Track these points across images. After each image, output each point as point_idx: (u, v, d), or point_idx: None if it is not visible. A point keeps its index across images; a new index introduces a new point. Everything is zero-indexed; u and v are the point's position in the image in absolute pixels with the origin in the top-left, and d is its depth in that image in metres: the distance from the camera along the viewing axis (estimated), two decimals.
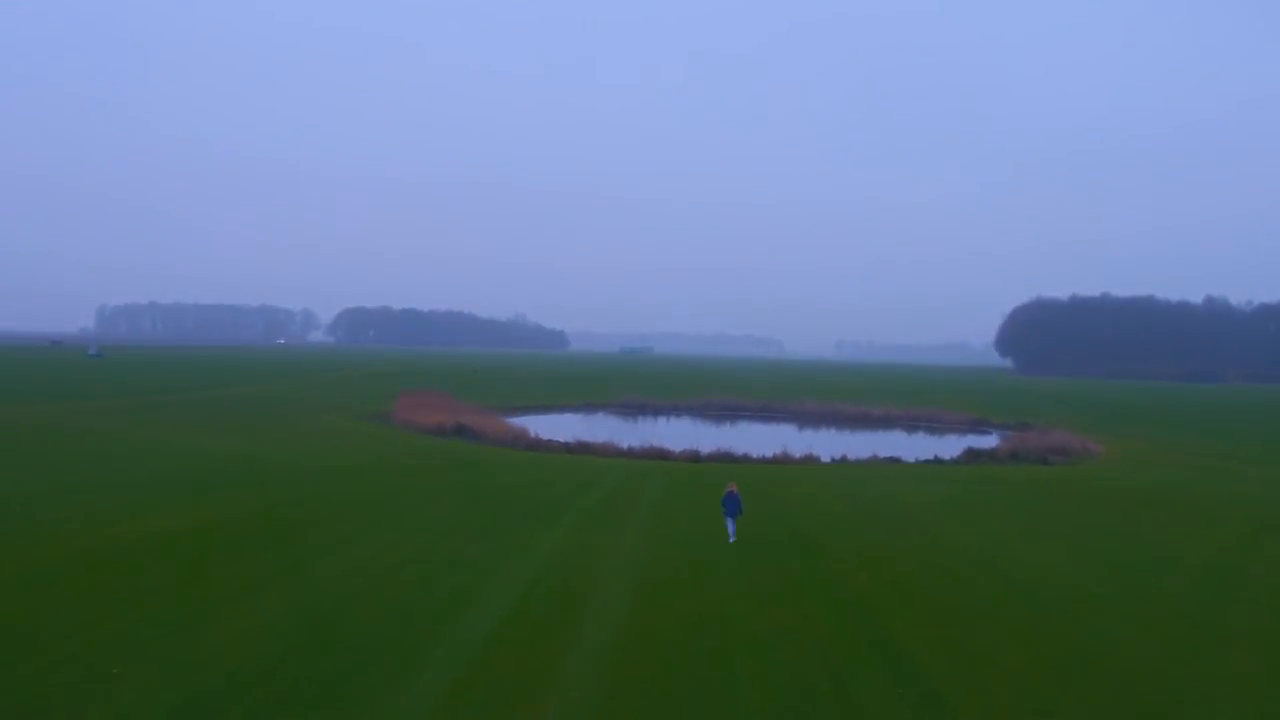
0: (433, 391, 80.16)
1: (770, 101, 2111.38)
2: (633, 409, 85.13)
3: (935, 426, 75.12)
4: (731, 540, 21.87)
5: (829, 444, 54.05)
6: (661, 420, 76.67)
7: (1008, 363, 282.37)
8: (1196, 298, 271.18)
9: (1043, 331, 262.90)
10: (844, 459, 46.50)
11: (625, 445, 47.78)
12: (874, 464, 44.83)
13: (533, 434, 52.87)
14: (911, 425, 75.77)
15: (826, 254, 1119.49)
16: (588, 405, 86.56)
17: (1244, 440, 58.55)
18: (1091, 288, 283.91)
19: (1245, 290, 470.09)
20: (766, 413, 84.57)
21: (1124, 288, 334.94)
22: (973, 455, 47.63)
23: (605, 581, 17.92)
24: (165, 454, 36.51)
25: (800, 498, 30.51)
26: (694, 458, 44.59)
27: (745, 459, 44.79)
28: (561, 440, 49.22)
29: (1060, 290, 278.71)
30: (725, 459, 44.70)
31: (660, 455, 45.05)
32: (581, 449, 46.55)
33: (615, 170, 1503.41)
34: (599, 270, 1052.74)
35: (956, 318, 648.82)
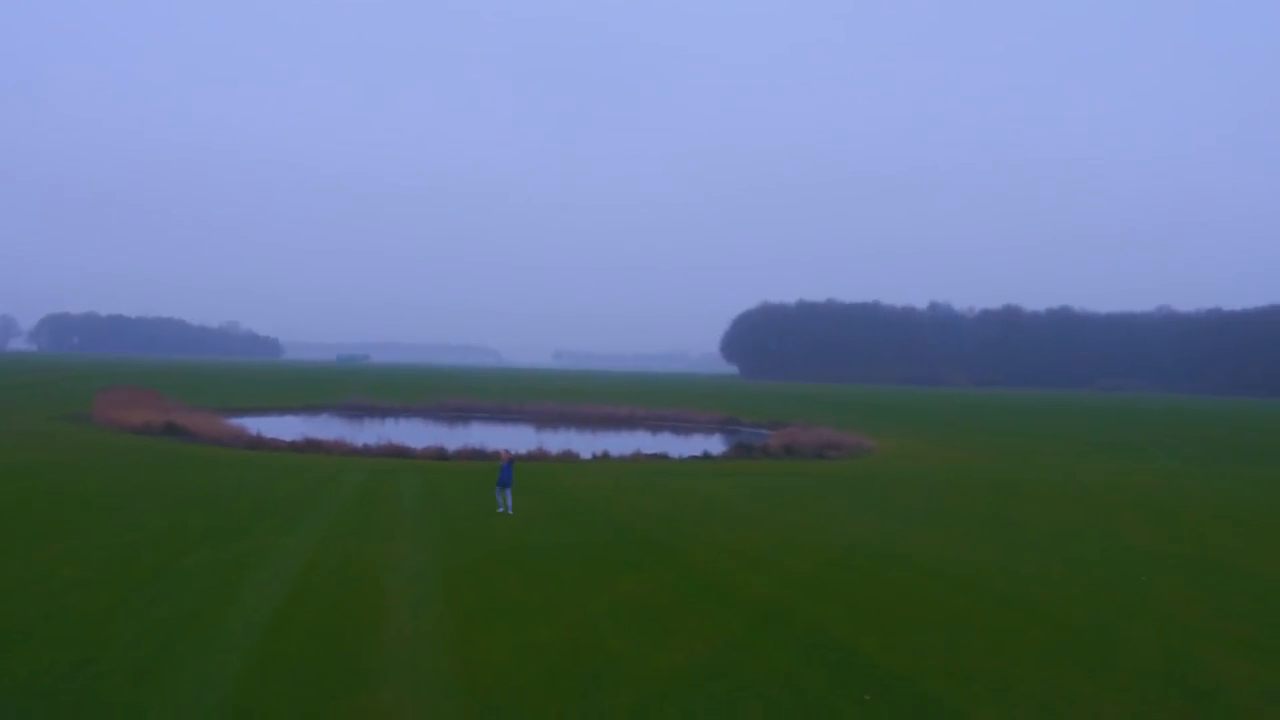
0: (138, 388, 67.68)
1: (490, 107, 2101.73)
2: (358, 410, 76.31)
3: (684, 426, 73.35)
4: (503, 510, 20.20)
5: (581, 443, 50.08)
6: (391, 421, 68.97)
7: (733, 368, 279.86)
8: (922, 304, 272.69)
9: (768, 337, 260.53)
10: (606, 455, 42.72)
11: (360, 444, 41.23)
12: (639, 460, 41.33)
13: (254, 432, 45.64)
14: (658, 425, 73.60)
15: (543, 263, 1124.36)
16: (309, 408, 76.63)
17: (1006, 434, 62.05)
18: (818, 295, 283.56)
19: (967, 297, 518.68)
20: (503, 414, 79.14)
21: (851, 294, 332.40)
22: (744, 450, 45.42)
23: (399, 601, 12.14)
24: None
25: (595, 493, 25.79)
26: (440, 455, 39.18)
27: (497, 456, 39.84)
28: (287, 439, 41.83)
29: (787, 297, 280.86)
30: (475, 456, 39.62)
31: (402, 453, 39.34)
32: (311, 447, 39.45)
33: (325, 175, 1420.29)
34: (314, 276, 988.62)
35: (675, 328, 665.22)
